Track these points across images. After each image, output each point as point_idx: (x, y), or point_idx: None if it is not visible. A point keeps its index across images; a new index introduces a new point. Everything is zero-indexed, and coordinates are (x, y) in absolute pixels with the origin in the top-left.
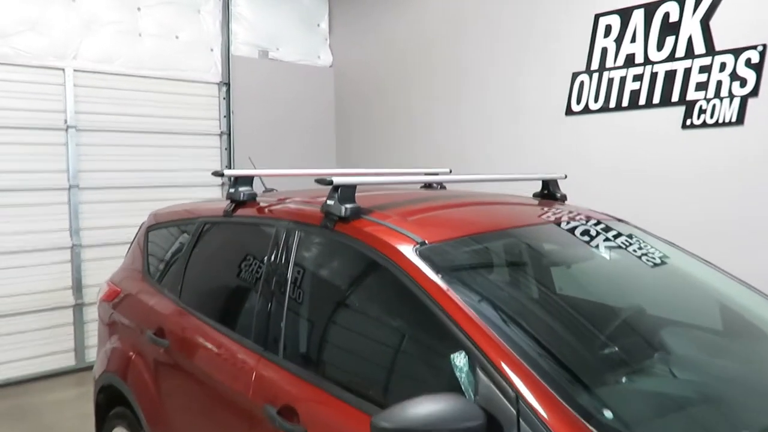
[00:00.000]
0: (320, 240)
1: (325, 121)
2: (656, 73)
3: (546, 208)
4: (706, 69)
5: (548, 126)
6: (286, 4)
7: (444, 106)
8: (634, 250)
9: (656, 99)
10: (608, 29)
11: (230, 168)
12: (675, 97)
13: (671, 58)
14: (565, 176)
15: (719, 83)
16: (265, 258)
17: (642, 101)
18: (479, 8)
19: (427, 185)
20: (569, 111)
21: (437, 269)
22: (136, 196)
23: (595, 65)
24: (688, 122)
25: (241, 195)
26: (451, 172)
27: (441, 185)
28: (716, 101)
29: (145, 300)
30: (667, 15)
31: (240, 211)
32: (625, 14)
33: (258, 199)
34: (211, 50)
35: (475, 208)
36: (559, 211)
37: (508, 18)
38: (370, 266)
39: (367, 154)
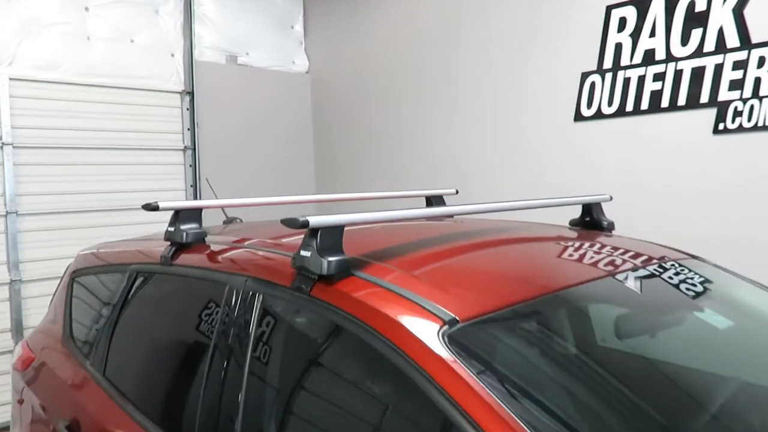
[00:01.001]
0: (291, 309)
1: (302, 133)
2: (681, 70)
3: (601, 247)
4: (741, 65)
5: (555, 134)
6: (257, 4)
7: (437, 115)
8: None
9: (682, 101)
10: (622, 23)
11: (195, 189)
12: (704, 98)
13: (699, 53)
14: (611, 198)
15: (758, 81)
16: (214, 331)
17: (665, 103)
18: (475, 5)
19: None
20: (579, 116)
21: (483, 372)
22: (86, 222)
23: (608, 64)
24: (721, 126)
25: (184, 235)
26: (457, 192)
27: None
28: (754, 101)
29: (62, 376)
30: (692, 4)
31: (182, 258)
32: (641, 5)
33: (208, 239)
34: (172, 55)
35: (509, 251)
36: (620, 250)
37: (508, 14)
38: (367, 357)
39: (350, 170)
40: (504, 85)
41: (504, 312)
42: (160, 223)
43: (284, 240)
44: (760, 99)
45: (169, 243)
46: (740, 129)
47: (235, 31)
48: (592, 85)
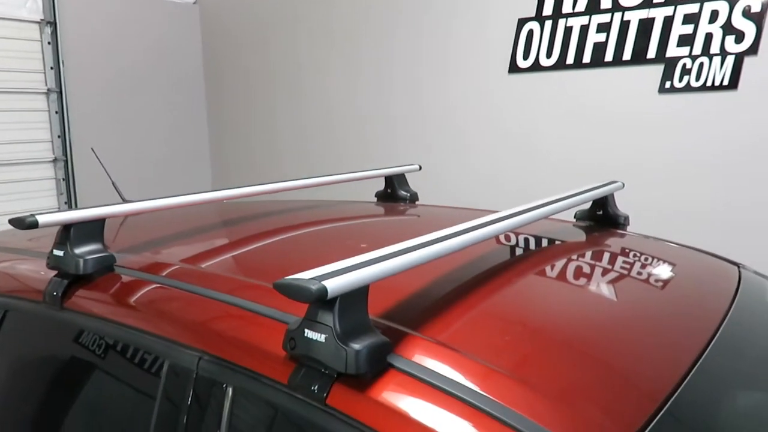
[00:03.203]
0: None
1: (191, 76)
2: (628, 21)
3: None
4: (692, 19)
5: (488, 87)
6: None
7: (349, 58)
8: None
9: (627, 55)
10: None
11: (64, 141)
12: (651, 53)
13: (648, 3)
14: (623, 185)
15: (708, 37)
16: (152, 414)
17: (608, 57)
18: None
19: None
20: (513, 68)
21: None
22: None
23: (548, 10)
24: (668, 85)
25: (80, 264)
26: (421, 168)
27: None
28: (704, 59)
29: None
30: None
31: (79, 299)
32: None
33: (120, 266)
34: None
35: (530, 288)
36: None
37: None
38: None
39: (247, 119)
40: (431, 30)
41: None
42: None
43: (252, 265)
44: (710, 57)
45: (55, 273)
46: (688, 88)
47: None
48: (530, 33)
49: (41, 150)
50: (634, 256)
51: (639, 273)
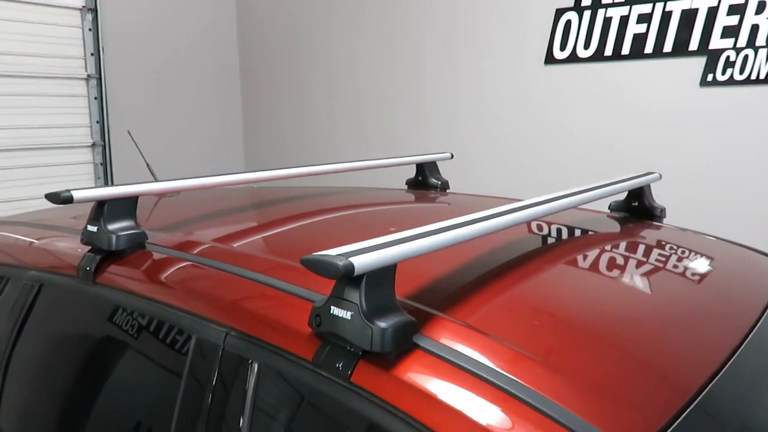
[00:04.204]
0: (317, 402)
1: (226, 59)
2: (669, 12)
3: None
4: (738, 9)
5: (522, 78)
6: None
7: (383, 45)
8: None
9: (668, 47)
10: None
11: (102, 126)
12: (693, 45)
13: None
14: (660, 176)
15: (754, 28)
16: (173, 416)
17: (648, 49)
18: None
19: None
20: (550, 59)
21: None
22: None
23: (586, 0)
24: (710, 77)
25: (113, 240)
26: (453, 157)
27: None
28: (749, 51)
29: None
30: None
31: (111, 274)
32: None
33: (152, 243)
34: None
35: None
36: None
37: None
38: None
39: (280, 108)
40: (467, 19)
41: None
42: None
43: (280, 245)
44: (756, 49)
45: (89, 248)
46: (731, 81)
47: None
48: (568, 23)
49: (80, 135)
50: (671, 248)
51: (675, 266)
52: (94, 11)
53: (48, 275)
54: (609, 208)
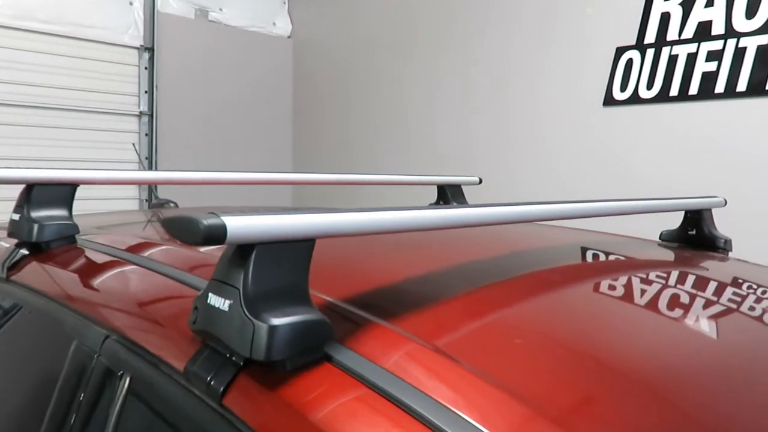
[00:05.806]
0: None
1: (280, 105)
2: (744, 48)
3: None
4: None
5: (580, 120)
6: None
7: (441, 92)
8: None
9: (742, 85)
10: None
11: (150, 160)
12: None
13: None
14: (725, 202)
15: None
16: (48, 406)
17: (719, 88)
18: None
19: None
20: (609, 100)
21: None
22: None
23: (650, 38)
24: None
25: (34, 230)
26: (481, 182)
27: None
28: None
29: None
30: None
31: (29, 271)
32: None
33: (83, 238)
34: (131, 4)
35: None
36: None
37: None
38: None
39: (335, 153)
40: (523, 59)
41: None
42: (113, 201)
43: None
44: None
45: (14, 242)
46: None
47: None
48: (629, 62)
49: (130, 167)
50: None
51: (752, 308)
52: (151, 50)
53: None
54: (660, 237)
